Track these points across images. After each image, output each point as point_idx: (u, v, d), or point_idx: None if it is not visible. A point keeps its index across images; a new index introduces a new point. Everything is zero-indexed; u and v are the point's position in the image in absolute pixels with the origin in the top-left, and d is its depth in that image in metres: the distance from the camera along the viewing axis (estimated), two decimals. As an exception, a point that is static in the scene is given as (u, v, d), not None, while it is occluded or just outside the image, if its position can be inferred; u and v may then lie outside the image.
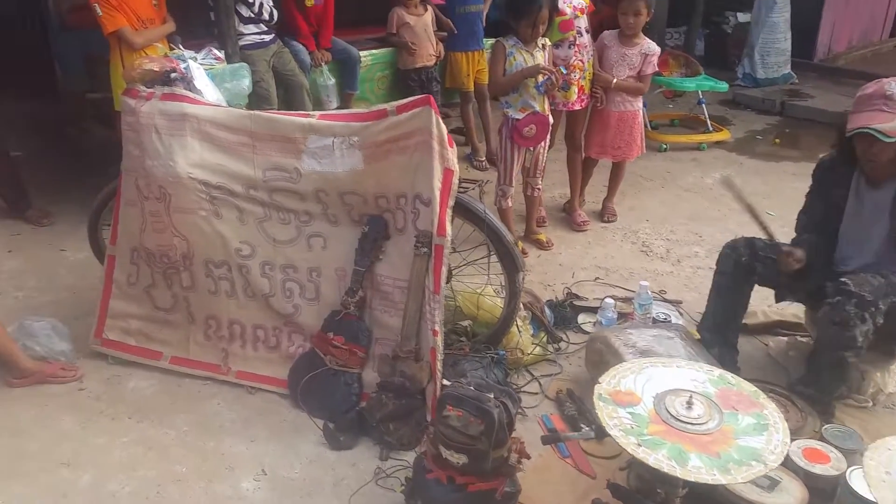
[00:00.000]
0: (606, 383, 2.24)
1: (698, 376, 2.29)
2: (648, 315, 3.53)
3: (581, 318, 3.63)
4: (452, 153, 2.78)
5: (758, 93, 7.82)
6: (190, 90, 3.00)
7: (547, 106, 4.09)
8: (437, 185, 2.74)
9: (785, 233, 4.69)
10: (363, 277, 2.97)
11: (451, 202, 2.76)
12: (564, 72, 4.08)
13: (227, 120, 2.92)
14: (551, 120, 4.12)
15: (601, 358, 3.03)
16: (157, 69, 2.99)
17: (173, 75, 2.99)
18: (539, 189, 4.34)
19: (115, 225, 3.24)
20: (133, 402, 3.04)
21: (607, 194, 4.92)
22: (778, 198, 5.29)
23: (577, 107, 4.40)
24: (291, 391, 3.04)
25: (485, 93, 5.84)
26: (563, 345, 3.43)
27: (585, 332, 3.56)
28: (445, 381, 2.41)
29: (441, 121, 2.74)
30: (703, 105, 6.66)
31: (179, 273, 3.14)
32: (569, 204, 4.87)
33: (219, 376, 3.15)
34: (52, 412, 2.97)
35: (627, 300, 3.77)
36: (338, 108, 5.25)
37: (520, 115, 3.99)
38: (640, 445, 1.99)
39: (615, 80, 4.35)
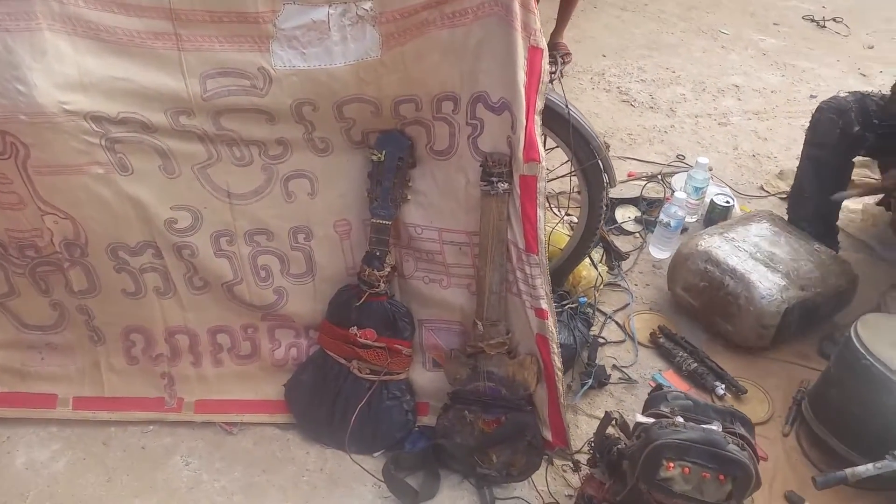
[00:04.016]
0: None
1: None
2: (702, 200, 2.76)
3: (619, 213, 2.77)
4: (537, 20, 1.65)
5: None
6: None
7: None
8: (521, 76, 1.63)
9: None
10: (388, 233, 1.85)
11: (539, 104, 1.68)
12: None
13: (122, -10, 1.52)
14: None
15: (713, 282, 2.23)
16: None
17: None
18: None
19: None
20: (40, 494, 1.81)
21: (556, 27, 3.87)
22: (721, 10, 4.62)
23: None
24: (299, 418, 1.98)
25: None
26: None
27: (628, 233, 2.73)
28: (641, 418, 1.51)
29: (525, -38, 1.58)
30: None
31: (63, 271, 1.82)
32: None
33: (168, 416, 1.97)
34: None
35: (653, 177, 2.97)
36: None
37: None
38: None
39: None
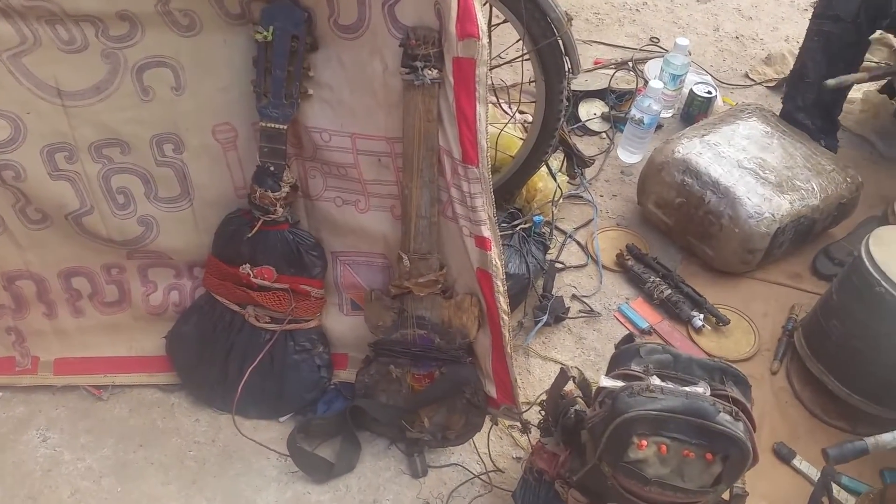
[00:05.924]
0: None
1: None
2: (680, 90, 2.35)
3: (583, 110, 2.34)
4: None
5: None
6: None
7: None
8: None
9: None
10: (285, 141, 1.41)
11: (479, -42, 1.22)
12: None
13: None
14: None
15: (691, 198, 1.86)
16: None
17: None
18: None
19: None
20: None
21: None
22: None
23: None
24: (185, 378, 1.59)
25: None
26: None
27: (594, 133, 2.31)
28: (606, 381, 1.14)
29: None
30: None
31: None
32: None
33: (21, 380, 1.57)
34: None
35: (623, 64, 2.53)
36: None
37: None
38: None
39: None
